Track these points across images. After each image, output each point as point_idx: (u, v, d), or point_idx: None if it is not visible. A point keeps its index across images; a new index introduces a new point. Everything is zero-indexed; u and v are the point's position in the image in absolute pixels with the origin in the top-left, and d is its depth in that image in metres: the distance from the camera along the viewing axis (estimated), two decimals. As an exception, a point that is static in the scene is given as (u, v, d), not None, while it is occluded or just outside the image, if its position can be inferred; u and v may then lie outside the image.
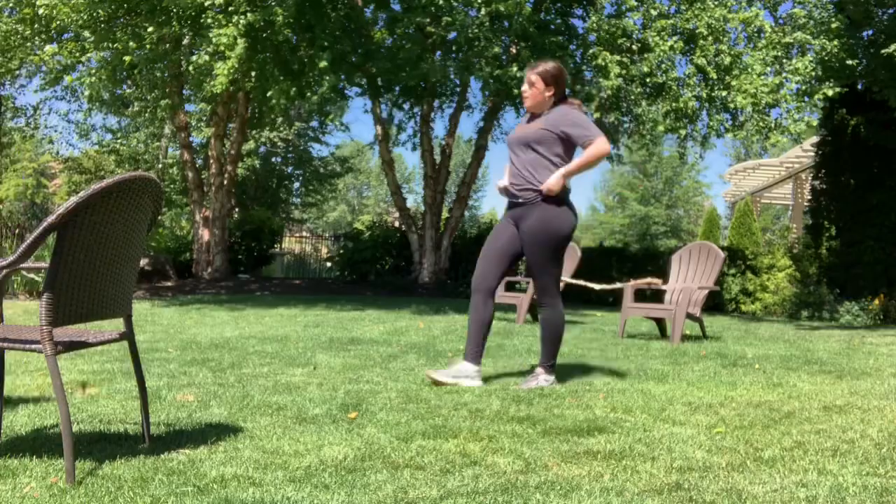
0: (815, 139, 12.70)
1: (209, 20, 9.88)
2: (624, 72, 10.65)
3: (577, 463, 2.51)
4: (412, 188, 50.50)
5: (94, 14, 10.48)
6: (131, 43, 10.67)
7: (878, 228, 11.19)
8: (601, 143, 3.96)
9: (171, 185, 20.66)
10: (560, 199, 4.03)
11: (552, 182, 3.97)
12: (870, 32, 10.24)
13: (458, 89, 13.73)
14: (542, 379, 4.07)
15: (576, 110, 4.11)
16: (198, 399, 3.45)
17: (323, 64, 9.81)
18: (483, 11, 10.17)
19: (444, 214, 14.59)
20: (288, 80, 10.53)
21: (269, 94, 10.39)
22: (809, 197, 13.08)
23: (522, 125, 4.25)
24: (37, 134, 17.02)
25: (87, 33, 10.96)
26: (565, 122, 4.04)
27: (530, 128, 4.12)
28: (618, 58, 10.63)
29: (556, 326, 4.11)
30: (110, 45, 10.99)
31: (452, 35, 10.54)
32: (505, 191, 4.21)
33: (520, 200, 4.09)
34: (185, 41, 12.35)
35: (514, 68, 10.41)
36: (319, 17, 10.45)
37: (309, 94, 11.09)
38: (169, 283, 13.67)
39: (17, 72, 14.49)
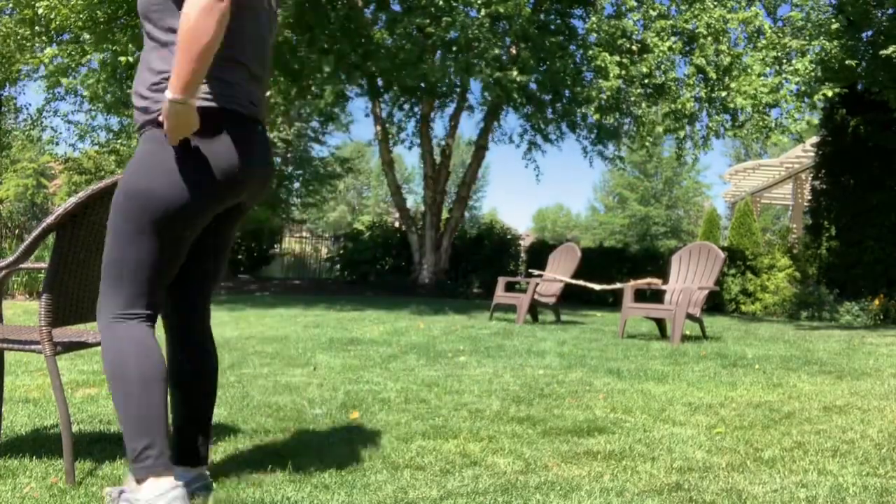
0: (815, 139, 12.71)
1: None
2: (623, 72, 10.66)
3: (577, 463, 2.51)
4: (412, 188, 50.53)
5: (94, 15, 10.47)
6: (130, 45, 10.66)
7: (878, 228, 11.20)
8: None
9: (171, 186, 20.61)
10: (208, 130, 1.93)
11: (164, 107, 1.85)
12: (869, 33, 10.24)
13: (457, 89, 13.74)
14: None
15: None
16: (198, 399, 3.44)
17: (327, 69, 9.80)
18: (483, 12, 10.18)
19: (444, 215, 14.59)
20: (288, 79, 10.53)
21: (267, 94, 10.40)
22: (809, 197, 13.08)
23: None
24: (42, 136, 17.08)
25: (86, 35, 10.96)
26: None
27: None
28: (617, 58, 10.64)
29: (120, 369, 1.89)
30: (109, 46, 10.98)
31: (453, 35, 10.54)
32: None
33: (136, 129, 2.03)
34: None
35: (515, 72, 10.41)
36: (319, 17, 10.46)
37: (310, 96, 11.10)
38: (169, 284, 13.64)
39: (19, 75, 14.50)
